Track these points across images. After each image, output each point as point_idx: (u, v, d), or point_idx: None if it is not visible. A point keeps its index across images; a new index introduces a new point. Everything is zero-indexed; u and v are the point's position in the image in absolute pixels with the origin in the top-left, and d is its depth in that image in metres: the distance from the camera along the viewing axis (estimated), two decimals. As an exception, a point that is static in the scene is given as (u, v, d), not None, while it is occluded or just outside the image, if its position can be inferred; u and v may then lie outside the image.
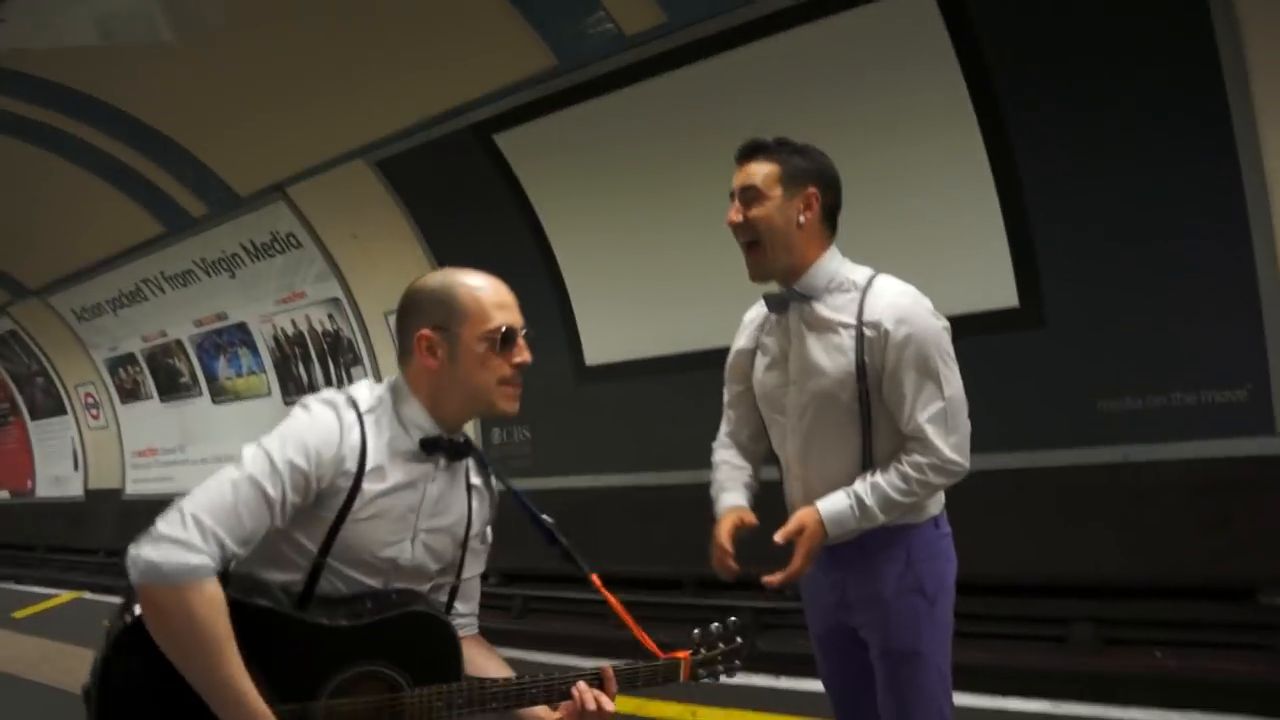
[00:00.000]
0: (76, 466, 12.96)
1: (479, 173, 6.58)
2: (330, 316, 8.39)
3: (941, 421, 2.10)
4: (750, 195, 2.17)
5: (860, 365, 2.13)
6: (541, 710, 1.87)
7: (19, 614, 7.39)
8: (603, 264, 6.48)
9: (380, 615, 1.73)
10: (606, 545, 6.39)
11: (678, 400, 6.19)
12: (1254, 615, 4.28)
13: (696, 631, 2.05)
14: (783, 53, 5.17)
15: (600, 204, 6.30)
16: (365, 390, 1.82)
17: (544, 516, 2.02)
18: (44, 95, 7.39)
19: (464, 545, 1.92)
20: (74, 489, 13.01)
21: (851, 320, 2.15)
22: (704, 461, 6.32)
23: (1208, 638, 4.34)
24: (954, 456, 2.11)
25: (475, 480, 1.94)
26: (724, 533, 2.24)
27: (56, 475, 13.41)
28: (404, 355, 1.86)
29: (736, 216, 2.19)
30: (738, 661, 2.07)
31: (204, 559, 1.56)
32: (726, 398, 2.47)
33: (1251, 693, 3.87)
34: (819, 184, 2.21)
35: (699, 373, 5.93)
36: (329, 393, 1.80)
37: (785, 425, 2.27)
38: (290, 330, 8.83)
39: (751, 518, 2.28)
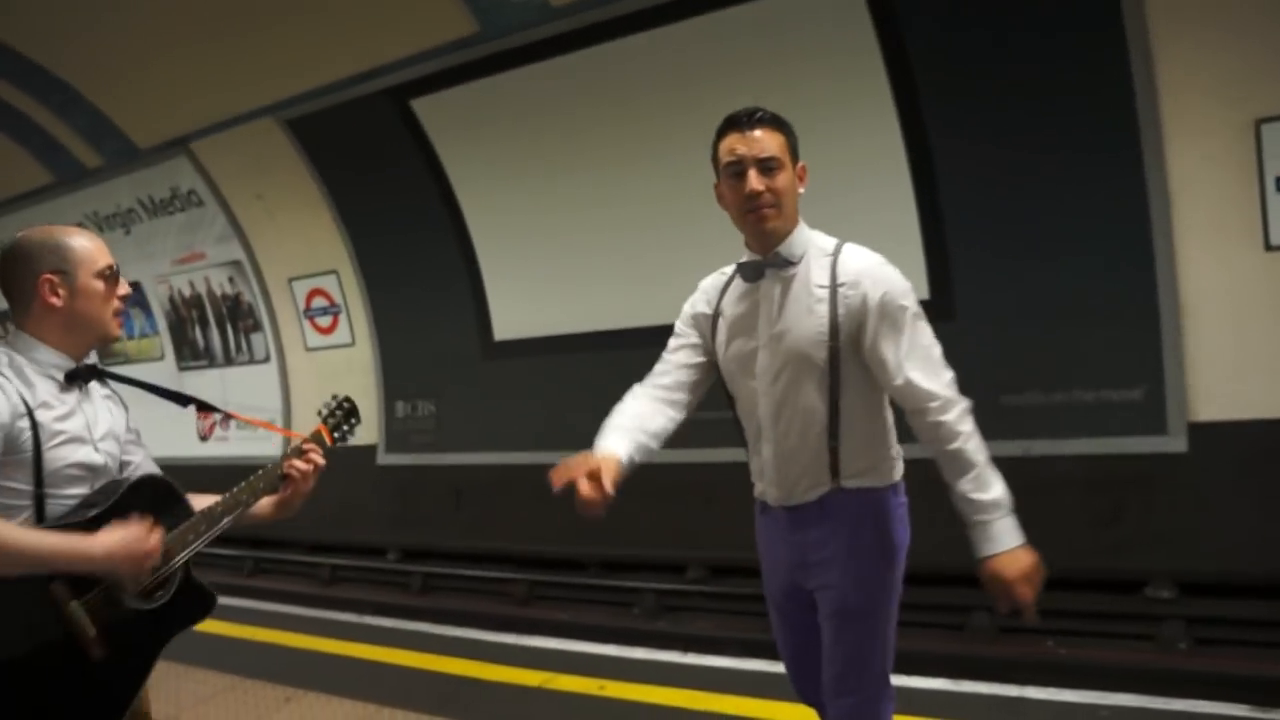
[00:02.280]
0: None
1: (393, 138, 6.14)
2: (231, 280, 7.74)
3: (930, 368, 2.07)
4: (772, 165, 2.09)
5: (834, 325, 2.09)
6: (274, 498, 2.18)
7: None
8: (517, 238, 6.11)
9: (116, 496, 1.94)
10: (510, 524, 6.22)
11: (588, 379, 5.85)
12: (1141, 607, 4.25)
13: (320, 411, 2.38)
14: (710, 33, 4.90)
15: (517, 177, 5.91)
16: None
17: (160, 386, 2.32)
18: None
19: (121, 444, 2.15)
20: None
21: (825, 282, 2.11)
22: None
23: (1098, 628, 4.30)
24: (954, 392, 2.07)
25: (105, 392, 2.14)
26: (595, 464, 2.04)
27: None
28: (21, 305, 1.99)
29: (760, 186, 2.08)
30: (354, 420, 2.40)
31: None
32: (669, 346, 2.30)
33: (1139, 677, 3.82)
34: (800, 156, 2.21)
35: (611, 352, 5.78)
36: None
37: (755, 388, 2.18)
38: (188, 292, 8.13)
39: (613, 474, 2.05)
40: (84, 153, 7.72)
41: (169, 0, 5.96)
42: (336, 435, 2.35)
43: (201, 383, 7.95)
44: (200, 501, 2.12)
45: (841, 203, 4.59)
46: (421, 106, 5.95)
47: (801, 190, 2.14)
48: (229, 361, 7.99)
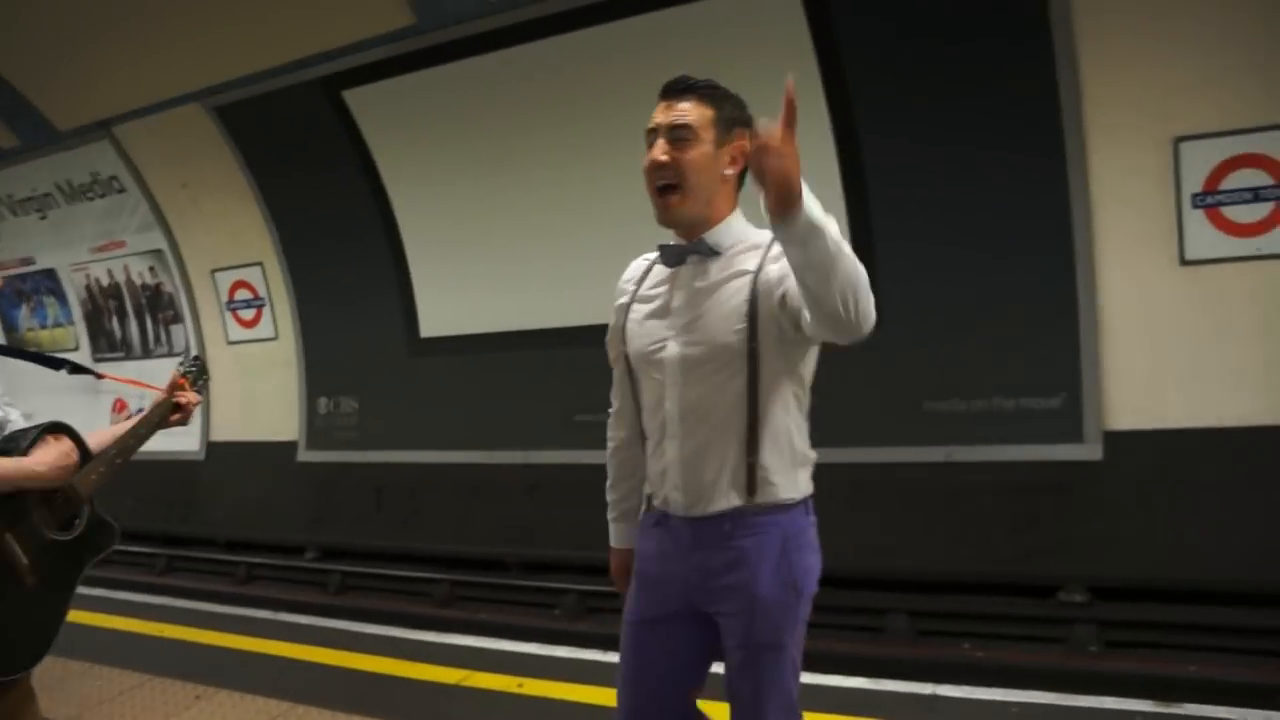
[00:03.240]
0: None
1: (324, 129, 5.92)
2: (152, 269, 7.37)
3: None
4: (682, 135, 1.89)
5: (753, 307, 1.88)
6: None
7: None
8: (445, 234, 5.93)
9: (34, 436, 2.07)
10: (431, 523, 6.03)
11: (511, 380, 5.82)
12: (1053, 610, 4.24)
13: (179, 366, 2.51)
14: (644, 33, 4.79)
15: (449, 172, 5.73)
16: None
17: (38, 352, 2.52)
18: None
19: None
20: None
21: (751, 268, 1.91)
22: (533, 443, 5.69)
23: (1012, 630, 4.28)
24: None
25: None
26: (619, 579, 2.18)
27: None
28: None
29: (662, 156, 1.89)
30: (205, 377, 2.55)
31: None
32: (614, 370, 2.16)
33: (1050, 677, 3.81)
34: (748, 136, 1.85)
35: (535, 352, 5.68)
36: None
37: (662, 382, 1.98)
38: (106, 281, 7.71)
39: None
40: (-2, 131, 7.31)
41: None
42: (195, 387, 2.50)
43: (117, 374, 7.57)
44: (96, 440, 2.25)
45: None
46: (354, 98, 5.74)
47: (731, 170, 1.93)
48: (147, 354, 7.62)
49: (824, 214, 1.61)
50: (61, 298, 8.07)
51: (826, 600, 4.34)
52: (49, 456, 2.03)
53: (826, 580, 4.01)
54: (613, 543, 2.22)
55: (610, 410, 2.22)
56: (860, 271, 1.65)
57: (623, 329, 2.08)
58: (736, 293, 1.91)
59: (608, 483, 2.22)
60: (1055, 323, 4.32)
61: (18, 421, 2.22)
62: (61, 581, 2.13)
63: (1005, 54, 4.22)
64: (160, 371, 7.57)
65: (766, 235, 1.95)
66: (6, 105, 6.91)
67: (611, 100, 4.97)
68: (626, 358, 2.07)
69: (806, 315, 1.77)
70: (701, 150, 1.89)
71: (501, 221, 5.63)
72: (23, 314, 8.48)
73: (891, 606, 4.48)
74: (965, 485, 4.49)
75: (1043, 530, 4.30)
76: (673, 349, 1.96)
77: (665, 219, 1.95)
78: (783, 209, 1.55)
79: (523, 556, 5.52)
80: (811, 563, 1.97)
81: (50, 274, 8.05)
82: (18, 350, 2.44)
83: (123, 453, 2.24)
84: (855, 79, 4.49)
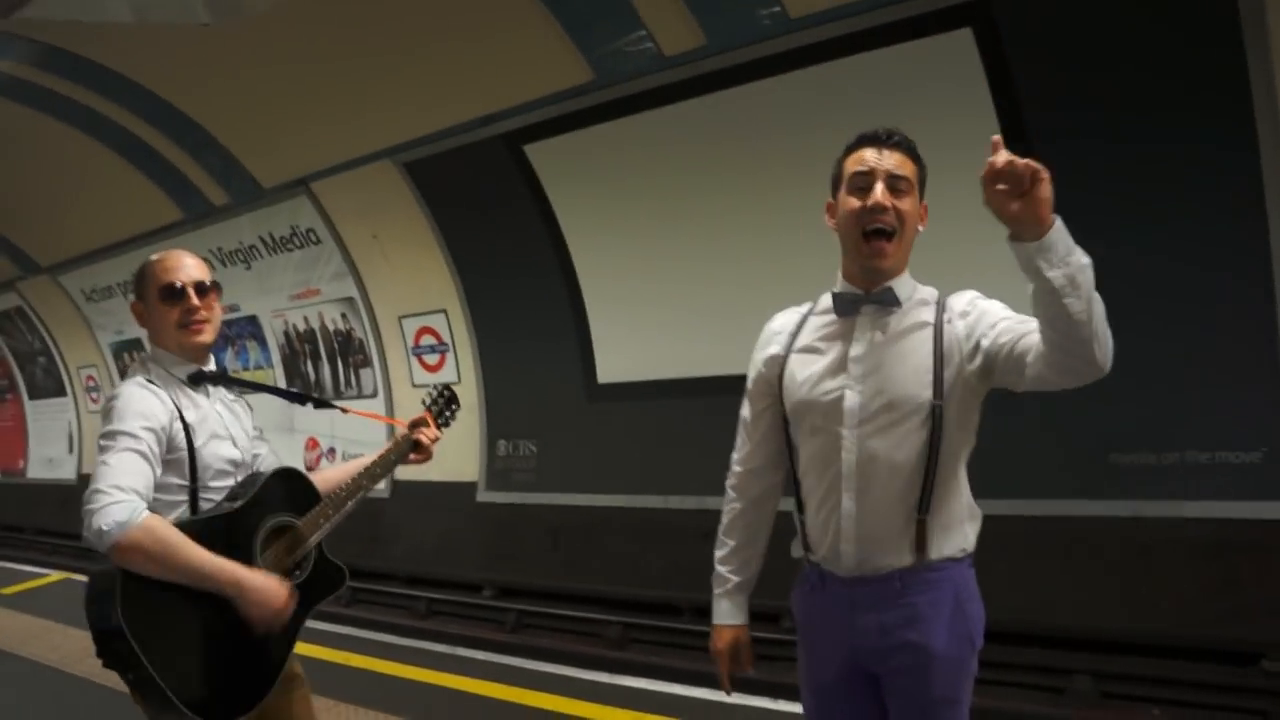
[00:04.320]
0: (71, 449, 13.12)
1: (506, 182, 6.72)
2: (344, 315, 8.52)
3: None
4: (901, 186, 2.04)
5: (939, 360, 2.02)
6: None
7: (7, 590, 7.51)
8: (622, 283, 6.59)
9: (255, 488, 2.34)
10: (606, 565, 6.62)
11: (685, 425, 6.31)
12: (1257, 680, 4.33)
13: (424, 399, 2.83)
14: (818, 83, 5.32)
15: (625, 222, 6.42)
16: (137, 368, 2.38)
17: (279, 387, 2.86)
18: (75, 70, 7.58)
19: (250, 440, 2.54)
20: (67, 471, 13.16)
21: (930, 319, 2.07)
22: (707, 489, 6.31)
23: (1208, 699, 4.40)
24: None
25: (231, 397, 2.53)
26: (725, 656, 2.28)
27: (50, 457, 13.56)
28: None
29: (886, 201, 2.02)
30: (455, 406, 2.88)
31: (136, 500, 2.10)
32: (747, 416, 2.29)
33: None
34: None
35: (708, 399, 6.16)
36: (122, 382, 2.35)
37: (840, 433, 2.07)
38: (302, 327, 8.96)
39: (747, 638, 2.29)
40: (212, 191, 8.68)
41: (299, 48, 6.65)
42: (440, 421, 2.80)
43: (311, 416, 8.72)
44: (325, 480, 2.54)
45: (946, 264, 4.94)
46: (535, 152, 6.54)
47: (921, 229, 2.10)
48: (338, 395, 8.77)
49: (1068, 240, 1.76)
50: (262, 342, 9.36)
51: (1006, 657, 4.73)
52: (264, 584, 2.16)
53: (1004, 636, 4.20)
54: (722, 619, 2.26)
55: (734, 469, 2.31)
56: (1096, 303, 1.79)
57: (778, 380, 2.17)
58: (921, 344, 2.04)
59: (723, 551, 2.29)
60: (1256, 373, 4.46)
61: (266, 458, 2.51)
62: (286, 626, 2.29)
63: (1204, 93, 4.43)
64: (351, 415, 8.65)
65: (934, 291, 2.13)
66: (222, 166, 8.23)
67: (785, 146, 5.52)
68: (783, 411, 2.17)
69: (1035, 362, 1.88)
70: (913, 202, 2.05)
71: (676, 270, 6.24)
72: (228, 356, 9.84)
73: (1074, 667, 4.70)
74: (1154, 542, 4.67)
75: (1241, 593, 4.44)
76: (853, 399, 2.05)
77: (875, 264, 2.05)
78: (1042, 225, 1.72)
79: (695, 601, 5.98)
80: (981, 614, 2.10)
81: (253, 320, 9.38)
82: (264, 386, 2.78)
83: (353, 494, 2.47)
84: (1030, 109, 4.80)
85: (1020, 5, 4.67)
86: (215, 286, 2.44)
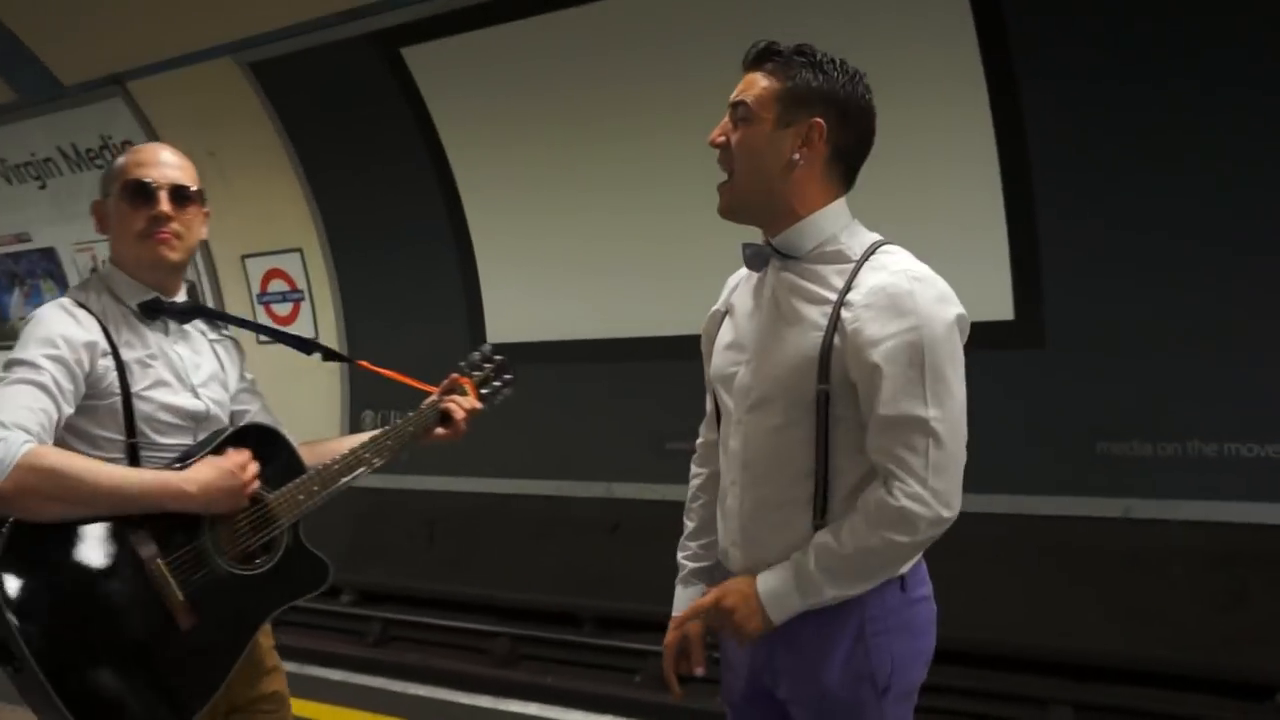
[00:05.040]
0: None
1: (380, 94, 6.20)
2: (171, 253, 7.82)
3: (925, 443, 1.85)
4: (740, 113, 2.00)
5: (825, 356, 1.92)
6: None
7: None
8: (520, 221, 6.15)
9: (212, 445, 2.16)
10: (492, 565, 6.28)
11: (592, 396, 6.02)
12: (1271, 717, 4.16)
13: (462, 363, 2.69)
14: None
15: (527, 148, 5.95)
16: (80, 290, 2.25)
17: (290, 332, 2.65)
18: None
19: (231, 394, 2.39)
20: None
21: (833, 295, 1.95)
22: (616, 474, 5.91)
23: None
24: (937, 494, 1.86)
25: (214, 336, 2.39)
26: (671, 651, 2.17)
27: None
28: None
29: (718, 137, 2.03)
30: (508, 375, 2.77)
31: (18, 433, 1.94)
32: (709, 380, 2.28)
33: None
34: (830, 113, 1.98)
35: (622, 365, 5.89)
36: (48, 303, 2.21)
37: (731, 414, 2.09)
38: (115, 263, 8.21)
39: (699, 631, 2.16)
40: (-10, 83, 7.77)
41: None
42: (485, 392, 2.66)
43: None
44: (316, 453, 2.37)
45: (907, 195, 4.54)
46: (415, 56, 5.98)
47: (801, 154, 1.96)
48: (160, 351, 8.12)
49: (793, 585, 1.91)
50: (61, 281, 8.48)
51: (970, 682, 4.48)
52: (206, 474, 2.06)
53: (968, 658, 4.20)
54: (675, 610, 2.24)
55: (698, 440, 2.36)
56: (890, 547, 1.87)
57: (712, 342, 2.22)
58: (814, 322, 1.95)
59: (684, 533, 2.33)
60: (1276, 349, 4.25)
61: (258, 415, 2.36)
62: (236, 623, 2.14)
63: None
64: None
65: (865, 239, 2.02)
66: (5, 53, 7.28)
67: (733, 60, 5.06)
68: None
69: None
70: (756, 131, 1.97)
71: (588, 205, 5.81)
72: (15, 300, 8.92)
73: (1053, 695, 4.48)
74: (1149, 549, 4.49)
75: (1254, 611, 4.25)
76: (743, 377, 2.06)
77: (719, 210, 2.08)
78: (760, 628, 1.93)
79: (599, 609, 5.68)
80: (904, 651, 1.98)
81: (49, 254, 8.49)
82: (263, 327, 2.70)
83: (349, 470, 2.30)
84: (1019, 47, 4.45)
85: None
86: (198, 197, 2.31)
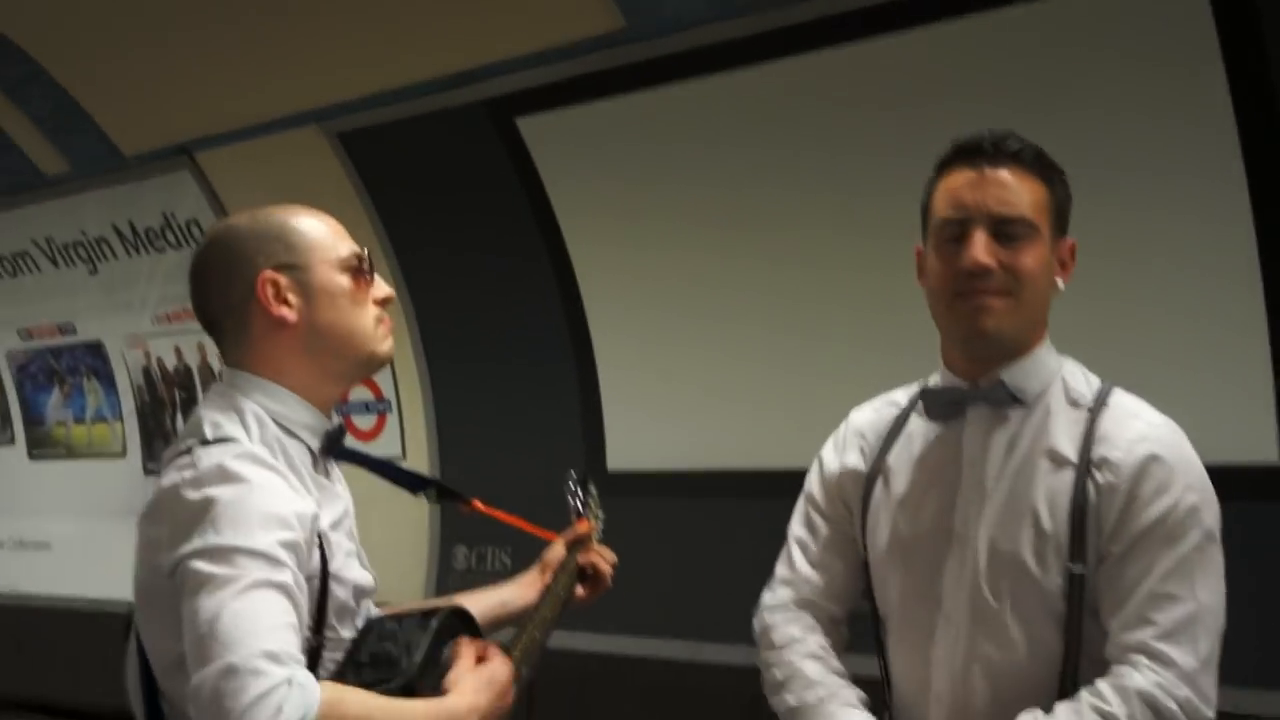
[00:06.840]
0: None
1: (489, 173, 6.47)
2: (238, 351, 8.16)
3: (1189, 634, 1.86)
4: (1016, 230, 1.95)
5: (1076, 534, 1.93)
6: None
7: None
8: (651, 328, 6.32)
9: (421, 647, 1.97)
10: None
11: (733, 535, 6.04)
12: None
13: (573, 506, 2.84)
14: (957, 46, 4.98)
15: (661, 240, 6.13)
16: (228, 422, 1.91)
17: (402, 465, 2.54)
18: None
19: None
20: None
21: (1072, 454, 1.95)
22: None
23: None
24: (1199, 691, 1.85)
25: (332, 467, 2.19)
26: None
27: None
28: (235, 329, 2.00)
29: (988, 258, 1.93)
30: (593, 500, 2.91)
31: (302, 671, 1.69)
32: (798, 529, 2.36)
33: None
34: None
35: (770, 501, 5.76)
36: (211, 451, 1.86)
37: (933, 605, 2.08)
38: (172, 363, 8.47)
39: None
40: (40, 152, 8.17)
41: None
42: (595, 520, 2.77)
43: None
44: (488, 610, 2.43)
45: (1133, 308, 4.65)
46: (531, 128, 6.23)
47: (1061, 283, 2.03)
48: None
49: None
50: (108, 381, 8.82)
51: None
52: (482, 700, 1.96)
53: None
54: None
55: (776, 590, 2.40)
56: None
57: (862, 511, 2.21)
58: (1055, 490, 1.96)
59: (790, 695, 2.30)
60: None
61: (373, 583, 2.14)
62: None
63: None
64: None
65: (1090, 382, 2.04)
66: (55, 117, 7.76)
67: (908, 136, 5.02)
68: (846, 536, 2.26)
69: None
70: (1038, 252, 1.97)
71: (735, 314, 5.94)
72: (53, 401, 9.28)
73: None
74: None
75: None
76: (956, 560, 2.04)
77: (973, 352, 2.03)
78: None
79: None
80: None
81: (96, 349, 8.82)
82: (370, 459, 2.41)
83: (526, 658, 2.27)
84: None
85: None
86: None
